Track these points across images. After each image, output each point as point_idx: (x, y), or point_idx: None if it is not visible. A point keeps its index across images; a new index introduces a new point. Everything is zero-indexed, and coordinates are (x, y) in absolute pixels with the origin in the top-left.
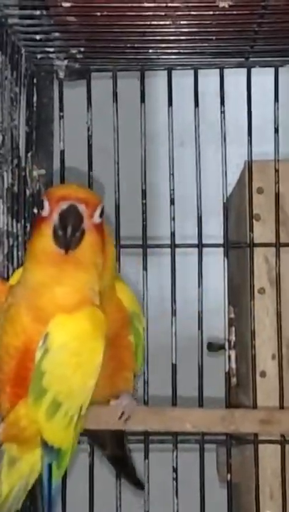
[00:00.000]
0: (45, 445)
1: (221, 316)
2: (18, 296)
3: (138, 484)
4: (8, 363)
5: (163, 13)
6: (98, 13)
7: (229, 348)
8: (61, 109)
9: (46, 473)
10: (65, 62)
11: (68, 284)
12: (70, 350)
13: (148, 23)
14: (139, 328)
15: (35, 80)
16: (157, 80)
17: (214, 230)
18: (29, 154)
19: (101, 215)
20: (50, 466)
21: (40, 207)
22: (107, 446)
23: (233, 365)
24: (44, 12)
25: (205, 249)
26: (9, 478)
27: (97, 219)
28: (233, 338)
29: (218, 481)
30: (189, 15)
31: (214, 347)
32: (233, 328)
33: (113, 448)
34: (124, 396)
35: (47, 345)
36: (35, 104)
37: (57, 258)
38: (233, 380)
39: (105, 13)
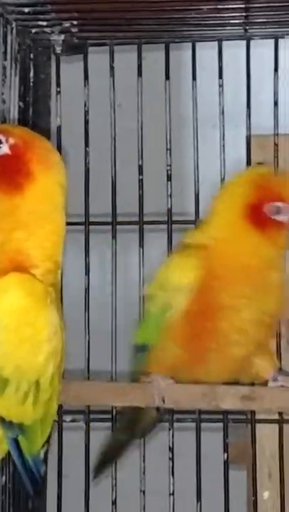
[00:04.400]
0: (3, 420)
1: None
2: None
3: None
4: None
5: None
6: None
7: None
8: (58, 85)
9: (13, 447)
10: (62, 36)
11: None
12: (6, 327)
13: None
14: None
15: (31, 56)
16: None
17: None
18: None
19: None
20: (16, 441)
21: None
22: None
23: None
24: None
25: None
26: None
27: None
28: None
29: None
30: None
31: None
32: None
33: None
34: None
35: None
36: (31, 80)
37: None
38: None
39: None
